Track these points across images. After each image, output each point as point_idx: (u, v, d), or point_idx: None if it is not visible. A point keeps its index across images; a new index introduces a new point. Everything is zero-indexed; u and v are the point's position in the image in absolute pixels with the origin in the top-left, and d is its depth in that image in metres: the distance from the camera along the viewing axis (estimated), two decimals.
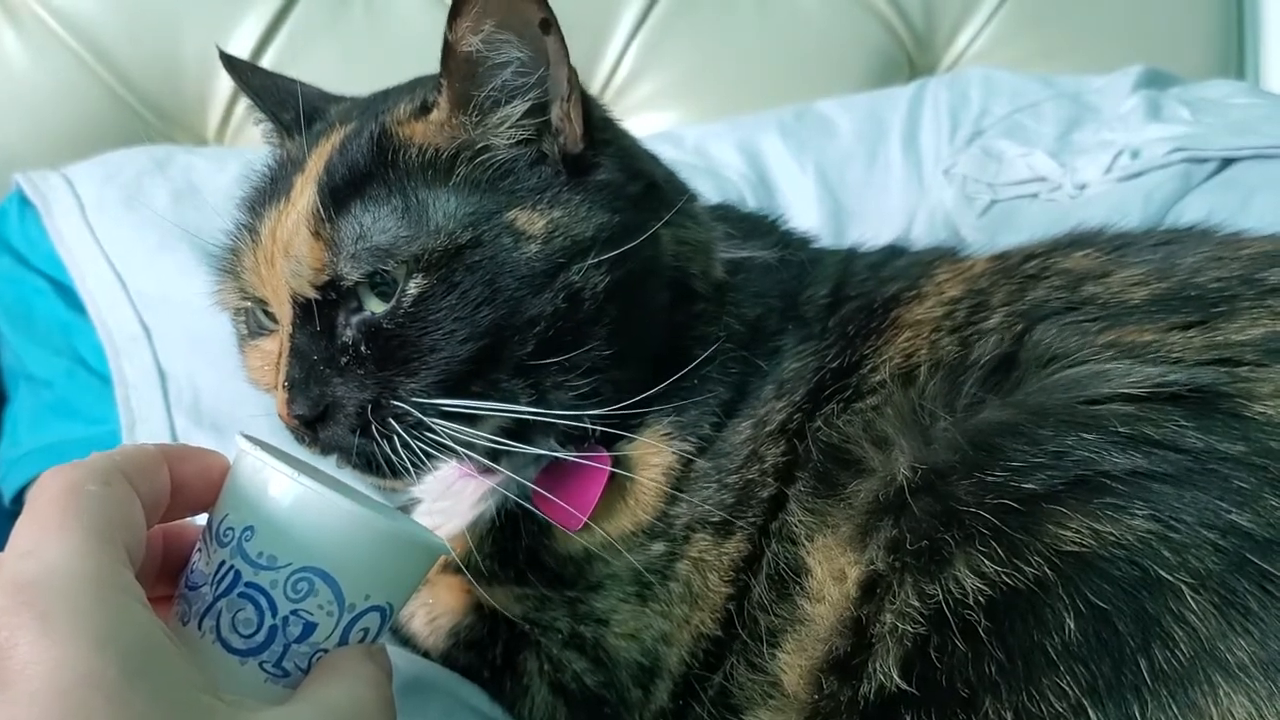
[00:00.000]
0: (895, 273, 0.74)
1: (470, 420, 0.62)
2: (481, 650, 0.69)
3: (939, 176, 1.30)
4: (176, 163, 1.17)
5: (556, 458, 0.66)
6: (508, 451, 0.65)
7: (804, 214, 1.18)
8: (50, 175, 1.14)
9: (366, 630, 0.52)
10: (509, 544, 0.67)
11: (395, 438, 0.61)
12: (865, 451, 0.60)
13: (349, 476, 0.64)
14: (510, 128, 0.65)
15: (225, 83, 1.40)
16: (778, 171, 1.30)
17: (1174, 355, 0.55)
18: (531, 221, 0.64)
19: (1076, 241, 0.70)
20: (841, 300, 0.72)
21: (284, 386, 0.62)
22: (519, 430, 0.65)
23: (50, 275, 1.07)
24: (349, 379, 0.62)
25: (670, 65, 1.48)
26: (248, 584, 0.50)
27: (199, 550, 0.53)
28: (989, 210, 1.21)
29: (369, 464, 0.63)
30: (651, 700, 0.65)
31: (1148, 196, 1.10)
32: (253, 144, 1.37)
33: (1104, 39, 1.65)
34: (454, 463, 0.66)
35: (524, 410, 0.63)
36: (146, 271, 1.02)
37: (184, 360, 0.94)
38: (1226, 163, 1.12)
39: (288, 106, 0.74)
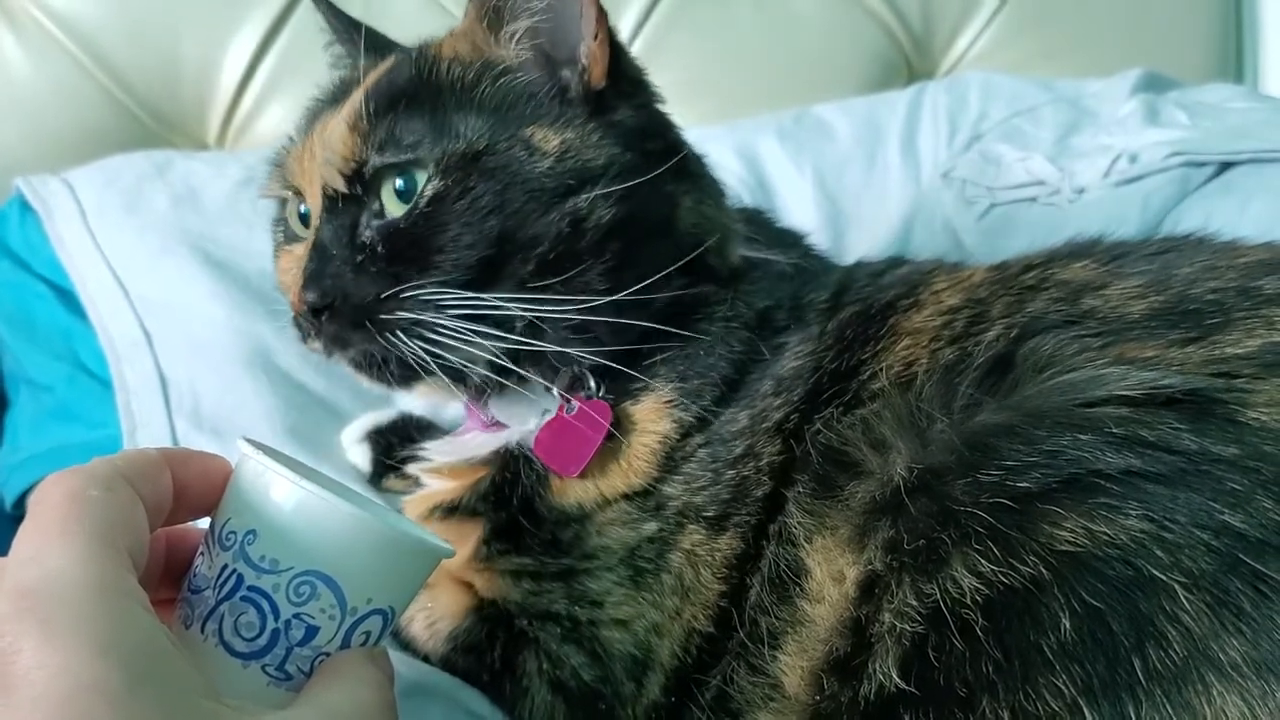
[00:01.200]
0: (894, 281, 0.75)
1: (467, 337, 0.65)
2: (480, 654, 0.69)
3: (937, 180, 1.30)
4: (176, 168, 1.17)
5: (560, 413, 0.69)
6: (511, 394, 0.69)
7: (802, 217, 1.18)
8: (51, 180, 1.14)
9: (368, 634, 0.53)
10: (507, 489, 0.69)
11: (395, 336, 0.65)
12: (863, 454, 0.60)
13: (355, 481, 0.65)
14: (520, 40, 0.69)
15: (224, 88, 1.41)
16: (776, 175, 1.31)
17: (1173, 368, 0.55)
18: (547, 139, 0.67)
19: (1074, 252, 0.70)
20: (841, 305, 0.73)
21: (302, 274, 0.67)
22: (516, 366, 0.67)
23: (51, 280, 1.07)
24: (361, 277, 0.66)
25: (668, 69, 1.45)
26: (250, 587, 0.50)
27: (201, 554, 0.53)
28: (988, 214, 1.21)
29: (367, 363, 0.67)
30: (644, 694, 0.66)
31: (1146, 200, 1.10)
32: (251, 149, 1.38)
33: (1102, 42, 1.65)
34: (458, 393, 0.70)
35: (516, 339, 0.66)
36: (147, 276, 1.02)
37: (185, 365, 0.94)
38: (1224, 166, 1.12)
39: (356, 36, 0.81)
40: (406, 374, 0.68)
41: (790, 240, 0.84)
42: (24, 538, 0.45)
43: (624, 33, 1.50)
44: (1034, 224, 1.15)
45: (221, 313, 0.99)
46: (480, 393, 0.72)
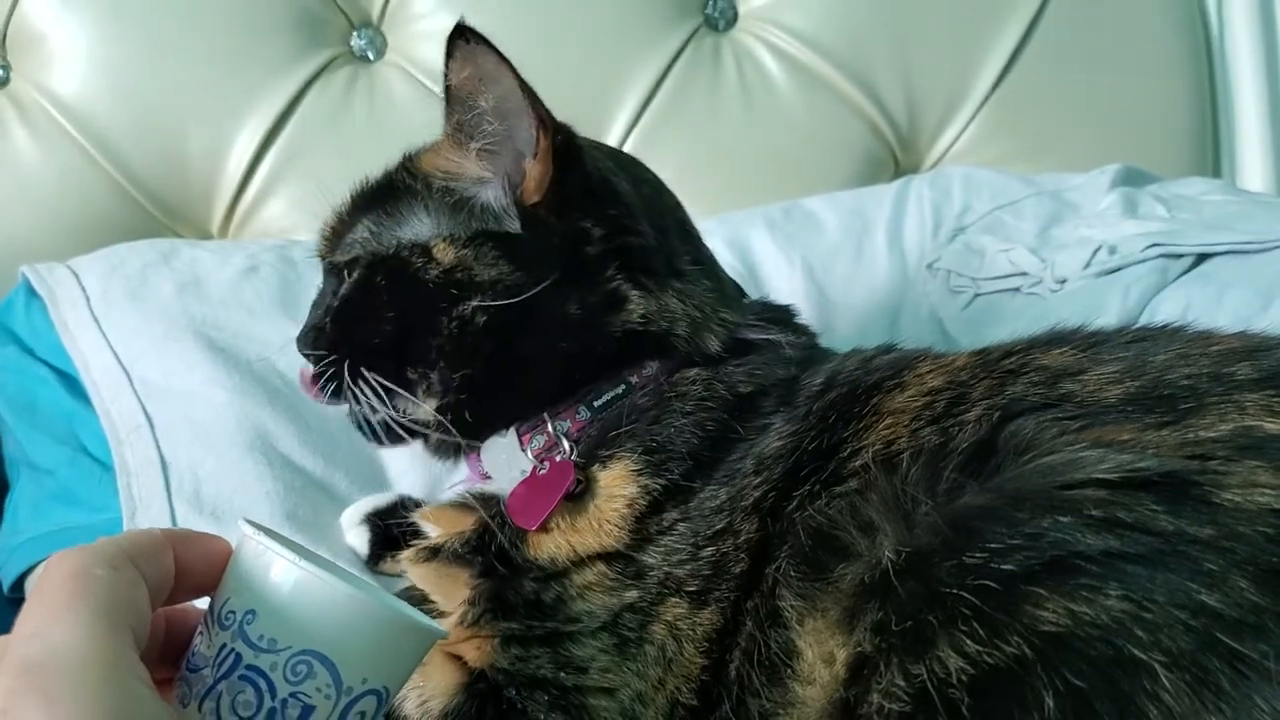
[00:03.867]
0: (881, 365, 0.77)
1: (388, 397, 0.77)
2: None
3: (923, 270, 1.33)
4: (181, 255, 1.19)
5: (534, 472, 0.76)
6: (495, 452, 0.79)
7: None
8: (57, 268, 1.17)
9: (363, 713, 0.53)
10: (486, 536, 0.74)
11: (342, 394, 0.78)
12: (852, 537, 0.61)
13: (352, 564, 0.67)
14: (481, 156, 0.77)
15: (228, 180, 1.44)
16: (766, 265, 1.34)
17: (1149, 451, 0.56)
18: (445, 253, 0.77)
19: (1054, 339, 0.72)
20: (830, 388, 0.75)
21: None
22: (462, 425, 0.78)
23: (54, 365, 1.09)
24: (320, 340, 0.80)
25: (662, 164, 1.48)
26: (248, 666, 0.51)
27: (200, 634, 0.53)
28: (972, 303, 1.24)
29: (355, 421, 0.82)
30: None
31: (1126, 290, 1.13)
32: (256, 237, 1.42)
33: (1082, 138, 1.69)
34: (429, 451, 0.83)
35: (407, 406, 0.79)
36: (151, 361, 1.04)
37: (186, 449, 0.95)
38: (1202, 258, 1.15)
39: None
40: (380, 433, 0.80)
41: (800, 329, 0.87)
42: (28, 614, 0.46)
43: (618, 127, 1.54)
44: (1017, 313, 1.18)
45: (223, 397, 1.00)
46: (449, 452, 0.82)
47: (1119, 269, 1.17)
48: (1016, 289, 1.23)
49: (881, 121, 1.64)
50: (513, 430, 0.78)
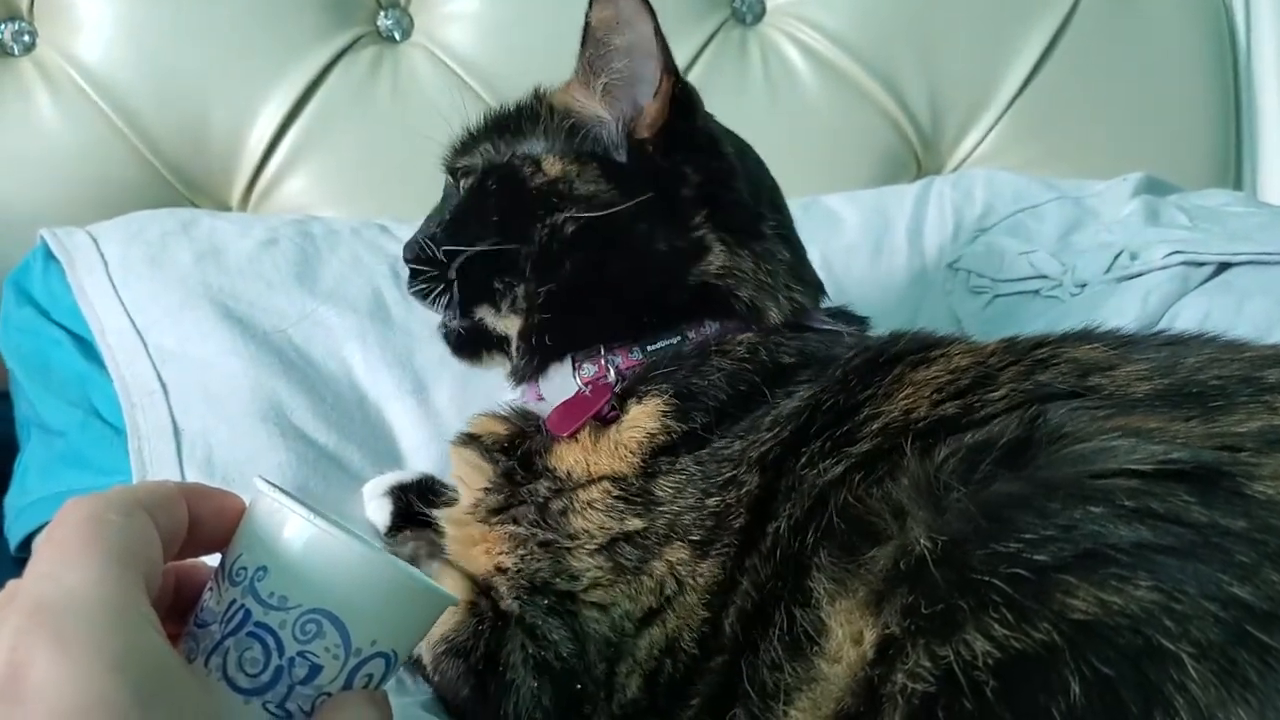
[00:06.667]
0: (910, 339, 0.78)
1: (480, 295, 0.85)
2: (465, 655, 0.72)
3: (943, 270, 1.33)
4: (201, 225, 1.19)
5: (578, 394, 0.81)
6: (553, 377, 0.83)
7: None
8: (75, 232, 1.16)
9: (371, 676, 0.53)
10: (518, 441, 0.81)
11: (428, 288, 0.86)
12: (885, 522, 0.61)
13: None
14: (605, 91, 0.83)
15: (250, 154, 1.44)
16: None
17: (1179, 440, 0.56)
18: (552, 165, 0.83)
19: (1085, 336, 0.72)
20: (856, 356, 0.77)
21: None
22: (537, 347, 0.83)
23: (69, 328, 1.09)
24: (432, 238, 0.86)
25: None
26: (257, 623, 0.50)
27: (210, 589, 0.53)
28: (991, 304, 1.23)
29: (444, 334, 0.91)
30: (617, 684, 0.69)
31: (1146, 296, 1.13)
32: (275, 212, 1.41)
33: (1104, 148, 1.69)
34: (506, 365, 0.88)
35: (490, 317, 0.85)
36: (167, 328, 1.04)
37: (199, 417, 0.95)
38: (1223, 267, 1.14)
39: None
40: (466, 346, 0.89)
41: (865, 324, 0.91)
42: (41, 556, 0.46)
43: None
44: (1036, 315, 1.17)
45: (238, 366, 1.00)
46: (524, 372, 0.86)
47: (1139, 275, 1.16)
48: (1036, 292, 1.22)
49: (905, 122, 1.63)
50: (569, 358, 0.82)
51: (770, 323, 0.82)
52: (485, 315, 0.86)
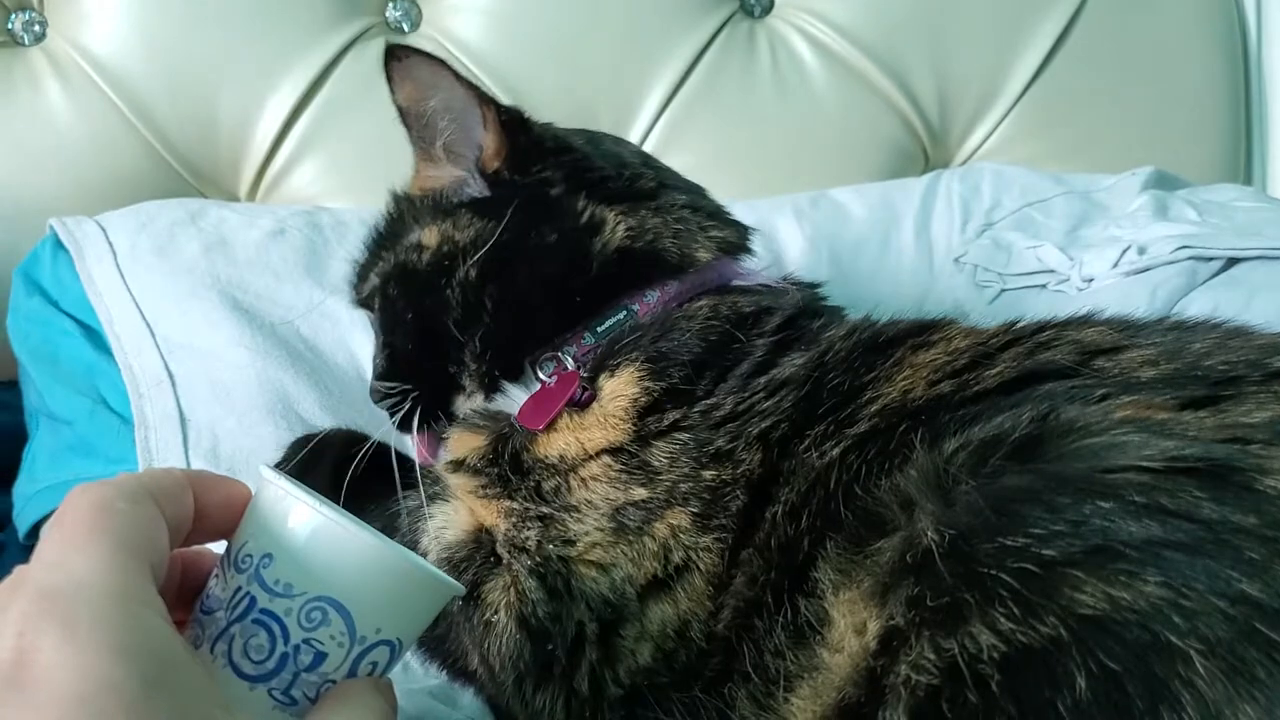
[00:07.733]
0: (909, 322, 0.78)
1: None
2: (460, 574, 0.73)
3: (950, 264, 1.32)
4: (209, 216, 1.19)
5: (542, 387, 0.81)
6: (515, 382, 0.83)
7: None
8: (84, 221, 1.17)
9: (375, 664, 0.53)
10: (500, 446, 0.79)
11: (409, 418, 0.84)
12: (893, 513, 0.61)
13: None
14: (447, 154, 0.85)
15: (258, 145, 1.44)
16: (792, 253, 1.33)
17: (1189, 434, 0.56)
18: (430, 236, 0.84)
19: (1090, 320, 0.72)
20: (854, 334, 0.77)
21: None
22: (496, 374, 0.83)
23: (78, 318, 1.09)
24: (381, 380, 0.86)
25: (690, 149, 1.51)
26: (262, 610, 0.51)
27: (216, 576, 0.53)
28: (998, 298, 1.23)
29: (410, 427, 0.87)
30: (623, 649, 0.69)
31: (1154, 290, 1.12)
32: (283, 203, 1.42)
33: (1113, 142, 1.68)
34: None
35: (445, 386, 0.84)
36: (174, 318, 1.04)
37: (206, 407, 0.96)
38: (1231, 262, 1.14)
39: None
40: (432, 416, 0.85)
41: (813, 287, 0.91)
42: (48, 543, 0.46)
43: (649, 110, 1.53)
44: (1043, 309, 1.15)
45: (245, 358, 1.01)
46: (490, 391, 0.84)
47: (1147, 269, 1.16)
48: (1043, 286, 1.22)
49: (913, 116, 1.63)
50: (525, 366, 0.82)
51: (702, 262, 0.84)
52: (459, 399, 0.85)
